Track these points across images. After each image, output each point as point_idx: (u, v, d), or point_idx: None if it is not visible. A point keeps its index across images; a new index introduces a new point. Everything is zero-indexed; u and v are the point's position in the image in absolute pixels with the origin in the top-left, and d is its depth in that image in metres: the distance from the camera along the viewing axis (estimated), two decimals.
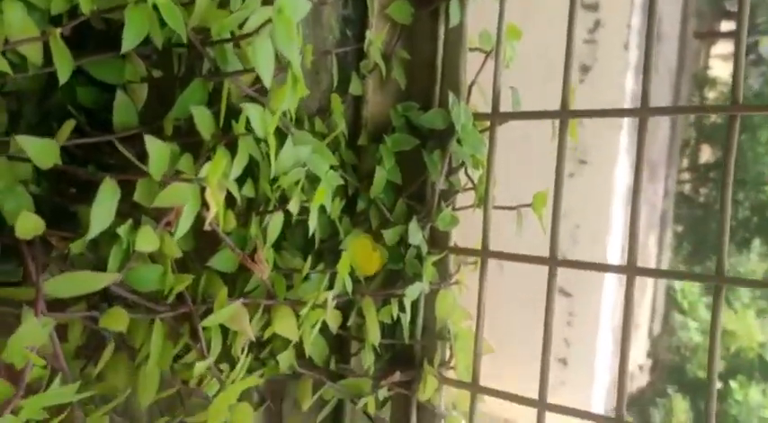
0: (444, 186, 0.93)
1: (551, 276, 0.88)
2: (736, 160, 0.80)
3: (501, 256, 0.91)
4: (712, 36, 5.48)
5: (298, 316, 0.79)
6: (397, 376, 0.93)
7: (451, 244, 0.96)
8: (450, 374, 0.97)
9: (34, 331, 0.57)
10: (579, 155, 3.38)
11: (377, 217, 0.92)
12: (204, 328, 0.73)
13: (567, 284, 3.17)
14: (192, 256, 0.75)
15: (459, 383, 0.96)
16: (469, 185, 0.97)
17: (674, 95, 4.54)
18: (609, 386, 3.45)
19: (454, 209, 0.96)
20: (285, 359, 0.85)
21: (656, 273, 0.85)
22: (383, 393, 0.92)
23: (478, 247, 0.93)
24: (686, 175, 5.28)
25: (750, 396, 4.29)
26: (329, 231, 0.88)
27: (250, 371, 0.84)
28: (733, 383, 4.30)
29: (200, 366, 0.69)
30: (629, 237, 0.83)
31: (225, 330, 0.76)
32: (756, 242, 4.53)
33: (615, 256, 3.30)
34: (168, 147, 0.62)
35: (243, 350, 0.76)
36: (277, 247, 0.84)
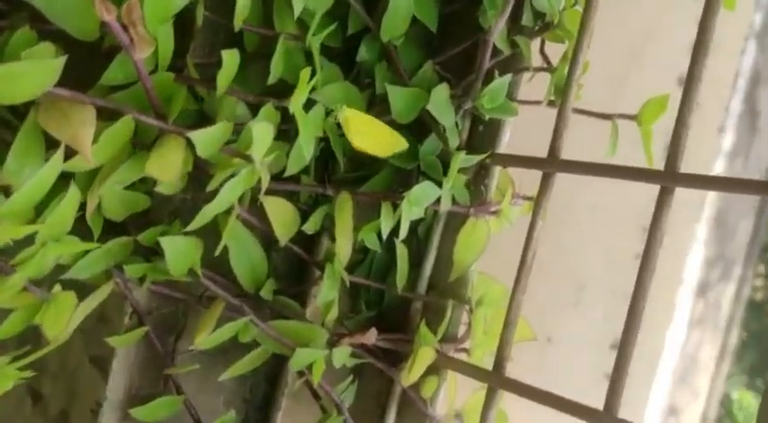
0: (505, 49, 0.55)
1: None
2: None
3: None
4: None
5: (198, 164, 0.42)
6: (371, 336, 0.54)
7: (500, 151, 0.57)
8: (462, 358, 0.57)
9: None
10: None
11: (385, 76, 0.54)
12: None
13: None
14: None
15: (471, 369, 0.55)
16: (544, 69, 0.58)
17: (761, 198, 4.06)
18: None
19: (513, 99, 0.57)
20: (178, 255, 0.46)
21: None
22: (342, 357, 0.52)
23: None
24: (760, 281, 4.77)
25: None
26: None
27: (119, 260, 0.47)
28: None
29: None
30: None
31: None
32: None
33: (673, 352, 2.85)
34: None
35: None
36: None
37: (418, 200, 0.51)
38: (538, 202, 0.53)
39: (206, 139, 0.39)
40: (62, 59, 0.34)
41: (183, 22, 0.45)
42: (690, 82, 0.48)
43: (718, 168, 2.97)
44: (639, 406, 2.74)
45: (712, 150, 2.87)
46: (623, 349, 0.48)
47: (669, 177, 0.47)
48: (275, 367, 0.58)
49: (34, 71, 0.34)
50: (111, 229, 0.48)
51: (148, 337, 0.51)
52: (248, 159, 0.42)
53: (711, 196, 2.90)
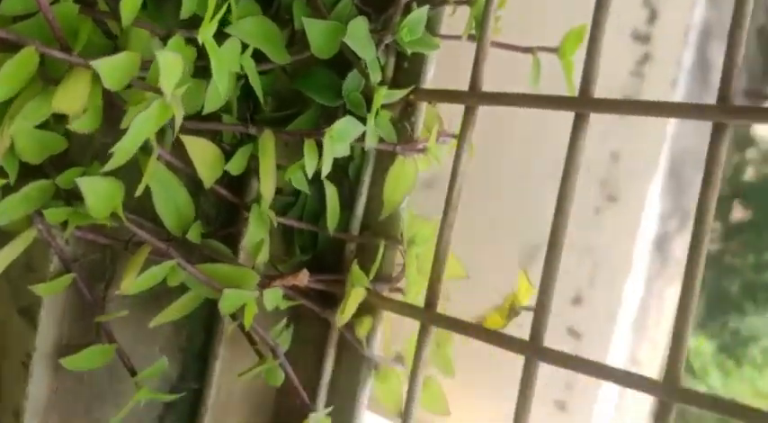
0: None
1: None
2: None
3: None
4: (760, 97, 5.10)
5: (114, 103, 0.41)
6: (303, 278, 0.54)
7: (425, 86, 0.57)
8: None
9: None
10: (610, 190, 3.01)
11: (303, 12, 0.54)
12: None
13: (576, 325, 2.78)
14: None
15: (403, 307, 0.56)
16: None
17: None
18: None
19: (435, 34, 0.58)
20: (98, 197, 0.46)
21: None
22: (274, 299, 0.53)
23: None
24: (715, 234, 4.87)
25: None
26: None
27: (39, 205, 0.46)
28: None
29: None
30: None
31: None
32: None
33: (632, 305, 2.90)
34: None
35: None
36: None
37: (341, 135, 0.51)
38: (462, 135, 0.54)
39: (111, 69, 0.39)
40: None
41: None
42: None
43: (672, 122, 3.02)
44: (601, 359, 2.79)
45: None
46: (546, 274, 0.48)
47: (583, 104, 0.48)
48: (211, 316, 0.58)
49: None
50: (30, 174, 0.47)
51: (77, 285, 0.51)
52: (159, 92, 0.42)
53: (665, 148, 2.95)
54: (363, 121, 0.54)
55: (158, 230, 0.52)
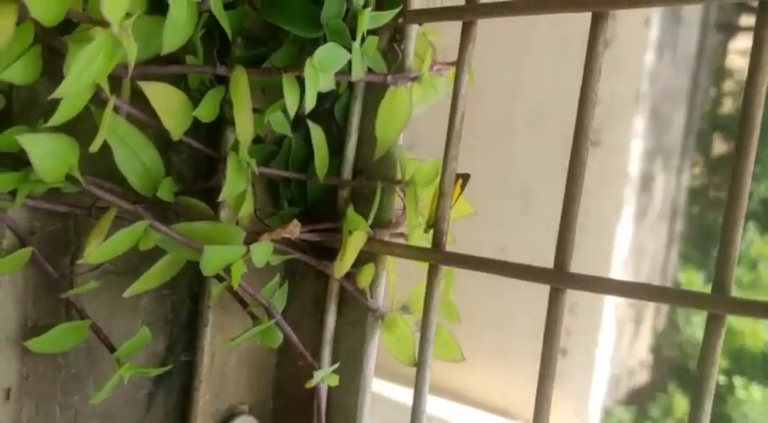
0: None
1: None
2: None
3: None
4: (733, 30, 5.02)
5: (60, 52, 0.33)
6: (294, 229, 0.46)
7: (414, 7, 0.49)
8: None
9: None
10: (593, 135, 2.94)
11: None
12: None
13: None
14: None
15: (408, 250, 0.48)
16: None
17: (691, 84, 4.08)
18: (609, 378, 3.03)
19: None
20: (47, 156, 0.38)
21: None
22: (263, 254, 0.45)
23: None
24: (698, 169, 4.84)
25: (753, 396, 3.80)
26: None
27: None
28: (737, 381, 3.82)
29: None
30: None
31: None
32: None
33: (623, 245, 2.86)
34: None
35: None
36: None
37: (324, 64, 0.43)
38: (461, 55, 0.46)
39: None
40: None
41: None
42: None
43: (649, 61, 2.94)
44: (596, 300, 2.76)
45: (641, 43, 2.83)
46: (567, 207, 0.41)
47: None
48: (197, 282, 0.51)
49: None
50: None
51: (37, 260, 0.43)
52: (103, 25, 0.34)
53: (645, 89, 2.87)
54: (348, 50, 0.46)
55: (125, 193, 0.44)
